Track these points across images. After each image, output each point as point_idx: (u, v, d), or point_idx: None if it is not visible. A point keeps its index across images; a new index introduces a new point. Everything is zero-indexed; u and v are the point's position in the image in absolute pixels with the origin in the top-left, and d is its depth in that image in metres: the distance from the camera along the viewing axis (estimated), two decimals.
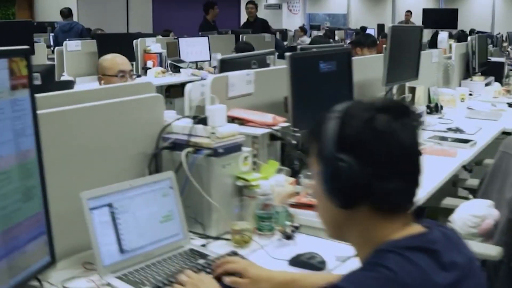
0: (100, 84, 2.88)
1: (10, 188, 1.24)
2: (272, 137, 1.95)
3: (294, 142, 1.91)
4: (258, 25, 8.50)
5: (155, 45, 6.15)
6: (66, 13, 7.77)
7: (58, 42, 7.93)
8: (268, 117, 1.98)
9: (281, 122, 1.98)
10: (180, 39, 6.41)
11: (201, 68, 6.46)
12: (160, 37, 6.65)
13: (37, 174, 1.32)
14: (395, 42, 2.88)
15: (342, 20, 16.60)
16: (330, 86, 2.39)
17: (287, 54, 2.11)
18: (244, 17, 15.03)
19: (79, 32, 7.62)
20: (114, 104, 1.66)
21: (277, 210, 1.70)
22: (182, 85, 6.10)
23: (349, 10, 16.16)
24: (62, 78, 5.16)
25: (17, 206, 1.26)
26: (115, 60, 2.88)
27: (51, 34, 8.47)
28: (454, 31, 12.73)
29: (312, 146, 1.05)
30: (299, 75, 2.14)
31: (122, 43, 5.62)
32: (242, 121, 1.94)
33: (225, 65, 2.31)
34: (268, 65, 2.64)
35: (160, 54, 6.09)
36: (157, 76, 5.88)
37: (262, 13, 15.97)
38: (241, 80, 2.12)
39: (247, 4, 8.75)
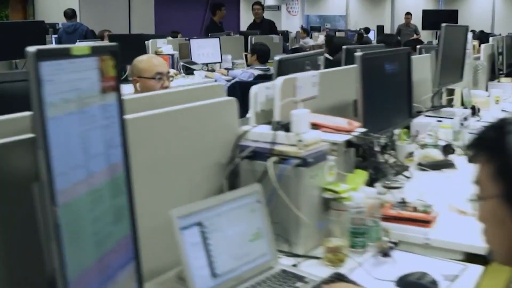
0: (136, 87, 2.70)
1: (103, 209, 1.07)
2: (348, 143, 1.80)
3: (376, 149, 1.76)
4: (265, 26, 8.35)
5: (166, 47, 5.96)
6: (70, 14, 7.55)
7: (61, 44, 7.74)
8: (343, 122, 1.82)
9: (357, 127, 1.82)
10: (191, 40, 6.23)
11: (212, 70, 6.29)
12: (170, 38, 6.47)
13: (125, 191, 1.15)
14: (446, 42, 2.74)
15: (339, 22, 16.48)
16: (393, 87, 2.24)
17: (357, 54, 1.95)
18: (243, 19, 14.88)
19: (83, 33, 7.41)
20: (193, 109, 1.49)
21: (369, 225, 1.54)
22: None
23: (348, 12, 16.05)
24: None
25: (109, 230, 1.08)
26: (152, 62, 2.70)
27: (54, 36, 8.25)
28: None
29: (483, 163, 0.89)
30: (368, 76, 1.99)
31: (135, 45, 5.42)
32: (315, 127, 1.77)
33: (283, 66, 2.15)
34: (319, 66, 2.48)
35: (172, 56, 5.91)
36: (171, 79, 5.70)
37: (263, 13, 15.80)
38: (307, 82, 1.96)
39: (253, 5, 8.60)
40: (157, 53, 5.91)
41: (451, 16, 13.99)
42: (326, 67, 4.85)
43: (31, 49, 0.87)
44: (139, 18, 9.71)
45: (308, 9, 16.30)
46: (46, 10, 8.79)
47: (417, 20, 14.05)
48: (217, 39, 6.55)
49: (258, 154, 1.54)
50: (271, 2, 16.33)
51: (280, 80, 1.83)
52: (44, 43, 4.75)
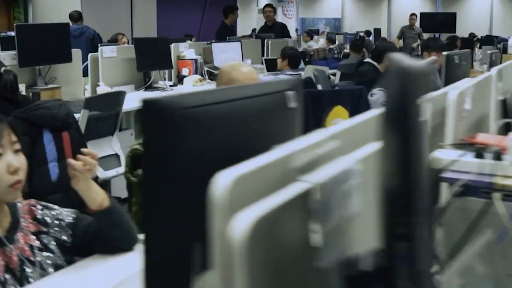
0: None
1: None
2: None
3: None
4: (277, 30, 8.06)
5: (188, 51, 5.64)
6: (76, 16, 7.14)
7: None
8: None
9: None
10: (213, 44, 5.91)
11: None
12: (189, 42, 6.14)
13: None
14: None
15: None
16: None
17: None
18: (239, 23, 14.56)
19: (90, 37, 7.01)
20: None
21: None
22: None
23: (344, 14, 15.89)
24: (100, 89, 4.60)
25: None
26: (249, 74, 2.36)
27: None
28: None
29: None
30: None
31: (160, 49, 5.09)
32: None
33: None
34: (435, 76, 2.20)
35: (196, 60, 5.59)
36: (196, 85, 5.37)
37: (255, 18, 15.55)
38: (468, 95, 1.68)
39: (264, 7, 8.34)
40: (179, 58, 5.59)
41: (450, 19, 13.93)
42: (373, 75, 4.60)
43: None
44: (141, 20, 9.32)
45: (302, 12, 16.09)
46: (44, 13, 8.35)
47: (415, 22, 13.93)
48: (238, 42, 6.25)
49: (471, 189, 1.25)
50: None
51: (454, 93, 1.54)
52: (69, 48, 4.38)
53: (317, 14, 16.30)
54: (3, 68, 3.26)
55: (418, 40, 11.38)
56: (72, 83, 4.49)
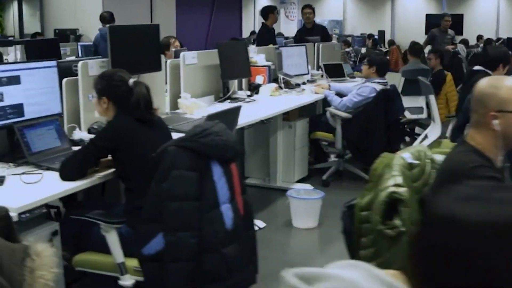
0: (490, 124, 1.82)
1: None
2: None
3: None
4: (318, 33, 7.51)
5: (259, 56, 5.06)
6: (108, 18, 6.44)
7: (98, 52, 6.58)
8: None
9: None
10: (281, 48, 5.35)
11: (304, 83, 5.44)
12: (253, 46, 5.55)
13: None
14: None
15: (334, 27, 15.89)
16: None
17: None
18: (244, 25, 14.00)
19: None
20: None
21: None
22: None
23: (345, 16, 15.50)
24: (183, 102, 3.97)
25: None
26: None
27: (80, 44, 7.10)
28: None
29: None
30: None
31: (240, 54, 4.49)
32: None
33: None
34: None
35: (269, 67, 5.01)
36: (274, 95, 4.81)
37: (256, 20, 14.97)
38: None
39: (303, 8, 7.74)
40: (251, 64, 4.99)
41: (457, 20, 13.73)
42: None
43: None
44: (161, 22, 8.60)
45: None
46: (57, 13, 7.58)
47: (420, 24, 13.72)
48: (303, 47, 5.70)
49: None
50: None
51: None
52: (160, 55, 3.74)
53: (318, 16, 15.84)
54: (131, 80, 2.61)
55: (450, 45, 10.99)
56: (156, 95, 3.84)
